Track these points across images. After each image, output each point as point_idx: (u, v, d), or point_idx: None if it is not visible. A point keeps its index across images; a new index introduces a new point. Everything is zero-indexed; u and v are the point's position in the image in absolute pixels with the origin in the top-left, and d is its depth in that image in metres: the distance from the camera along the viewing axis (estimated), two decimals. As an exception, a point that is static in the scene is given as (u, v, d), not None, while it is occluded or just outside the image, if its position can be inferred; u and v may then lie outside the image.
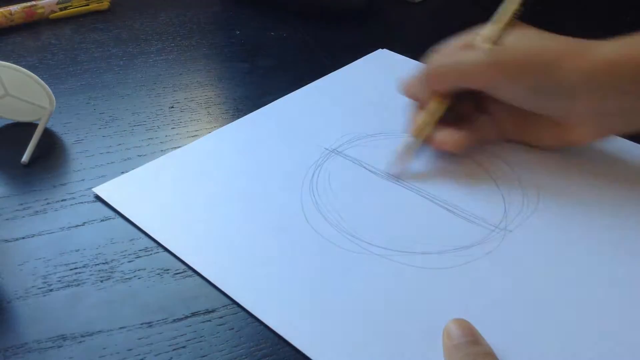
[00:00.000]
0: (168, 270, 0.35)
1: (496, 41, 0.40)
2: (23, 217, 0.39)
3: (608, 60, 0.36)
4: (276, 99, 0.50)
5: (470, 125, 0.43)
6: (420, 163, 0.43)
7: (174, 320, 0.32)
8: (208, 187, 0.40)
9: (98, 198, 0.40)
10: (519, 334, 0.31)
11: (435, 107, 0.42)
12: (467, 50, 0.41)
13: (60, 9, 0.64)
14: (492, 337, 0.29)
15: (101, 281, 0.35)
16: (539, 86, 0.38)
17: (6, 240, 0.37)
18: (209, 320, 0.32)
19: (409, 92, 0.44)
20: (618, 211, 0.38)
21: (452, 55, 0.42)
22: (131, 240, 0.37)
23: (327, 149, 0.44)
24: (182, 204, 0.39)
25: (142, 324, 0.32)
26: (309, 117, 0.48)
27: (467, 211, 0.38)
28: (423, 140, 0.42)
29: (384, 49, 0.56)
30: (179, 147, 0.45)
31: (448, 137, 0.41)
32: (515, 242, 0.36)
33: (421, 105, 0.43)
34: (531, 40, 0.40)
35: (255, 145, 0.45)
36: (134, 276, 0.35)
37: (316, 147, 0.44)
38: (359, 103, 0.49)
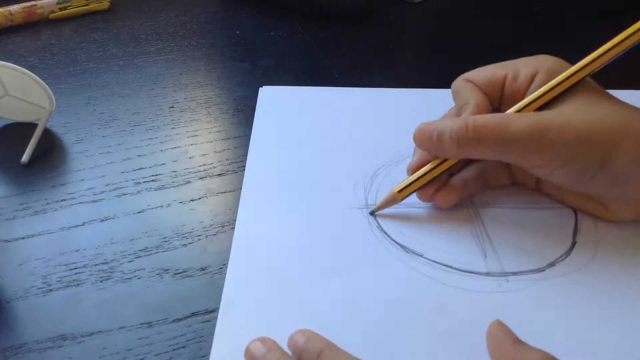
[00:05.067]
0: (168, 270, 0.35)
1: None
2: (23, 217, 0.39)
3: None
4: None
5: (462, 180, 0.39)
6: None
7: (174, 320, 0.32)
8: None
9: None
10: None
11: (444, 165, 0.37)
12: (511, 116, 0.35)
13: (60, 9, 0.64)
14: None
15: (101, 281, 0.35)
16: (587, 170, 0.34)
17: (6, 240, 0.37)
18: (209, 320, 0.32)
19: (426, 145, 0.37)
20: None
21: (486, 115, 0.35)
22: (131, 240, 0.37)
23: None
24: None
25: (142, 324, 0.32)
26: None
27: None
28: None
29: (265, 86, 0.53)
30: (179, 147, 0.45)
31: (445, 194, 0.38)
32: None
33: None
34: (588, 111, 0.34)
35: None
36: (134, 276, 0.35)
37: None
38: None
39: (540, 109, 0.36)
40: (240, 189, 0.41)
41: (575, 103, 0.35)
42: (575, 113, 0.34)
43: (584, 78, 0.35)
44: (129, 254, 0.36)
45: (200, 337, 0.32)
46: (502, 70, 0.38)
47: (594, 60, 0.35)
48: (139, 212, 0.39)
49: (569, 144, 0.33)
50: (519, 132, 0.33)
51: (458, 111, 0.38)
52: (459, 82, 0.39)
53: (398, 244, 0.36)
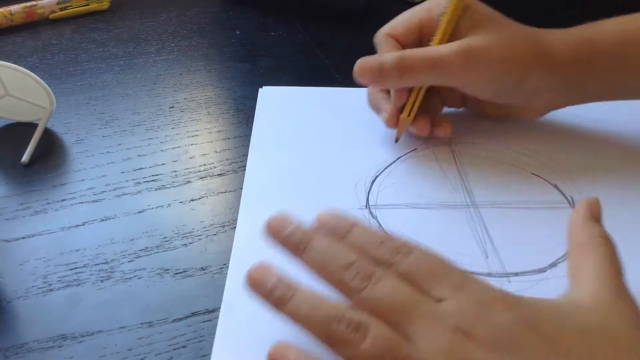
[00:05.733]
0: (168, 270, 0.35)
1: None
2: (23, 217, 0.39)
3: (564, 61, 0.40)
4: (276, 99, 0.50)
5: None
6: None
7: (174, 320, 0.32)
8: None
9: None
10: None
11: (417, 90, 0.42)
12: (432, 47, 0.41)
13: (60, 9, 0.64)
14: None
15: (101, 281, 0.35)
16: (507, 87, 0.41)
17: (6, 240, 0.37)
18: (209, 320, 0.32)
19: (368, 78, 0.42)
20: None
21: (418, 50, 0.41)
22: (131, 240, 0.37)
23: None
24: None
25: (142, 324, 0.32)
26: None
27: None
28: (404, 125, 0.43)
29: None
30: (179, 147, 0.45)
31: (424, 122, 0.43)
32: None
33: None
34: (502, 36, 0.40)
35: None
36: (134, 276, 0.35)
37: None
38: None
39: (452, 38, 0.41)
40: (241, 189, 0.41)
41: (490, 31, 0.40)
42: (494, 38, 0.40)
43: None
44: (129, 254, 0.36)
45: (201, 336, 0.31)
46: (415, 17, 0.43)
47: None
48: (139, 212, 0.39)
49: (494, 63, 0.39)
50: (447, 54, 0.39)
51: None
52: (381, 36, 0.44)
53: None
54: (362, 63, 0.41)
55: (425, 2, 0.44)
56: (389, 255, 0.29)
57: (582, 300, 0.29)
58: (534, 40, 0.41)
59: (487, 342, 0.26)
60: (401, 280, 0.28)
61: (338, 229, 0.31)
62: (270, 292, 0.28)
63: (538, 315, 0.27)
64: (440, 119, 0.44)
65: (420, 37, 0.43)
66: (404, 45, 0.43)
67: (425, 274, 0.28)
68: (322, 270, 0.29)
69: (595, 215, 0.32)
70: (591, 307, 0.28)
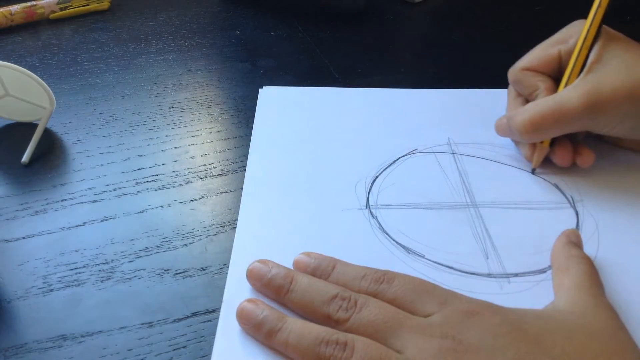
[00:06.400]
0: (168, 270, 0.35)
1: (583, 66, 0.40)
2: (23, 217, 0.39)
3: None
4: (276, 99, 0.50)
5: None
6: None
7: (174, 320, 0.32)
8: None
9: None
10: None
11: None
12: (556, 94, 0.40)
13: (60, 9, 0.64)
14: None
15: (101, 281, 0.34)
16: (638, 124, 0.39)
17: (6, 240, 0.37)
18: (209, 320, 0.32)
19: (504, 135, 0.44)
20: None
21: (542, 104, 0.40)
22: (131, 240, 0.37)
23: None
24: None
25: (142, 324, 0.32)
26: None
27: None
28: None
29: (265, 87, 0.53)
30: (179, 147, 0.45)
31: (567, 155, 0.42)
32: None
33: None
34: (630, 69, 0.38)
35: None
36: (134, 276, 0.35)
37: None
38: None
39: (583, 66, 0.40)
40: (241, 189, 0.41)
41: (615, 59, 0.39)
42: (618, 71, 0.38)
43: (601, 24, 0.40)
44: (129, 254, 0.36)
45: (201, 337, 0.31)
46: (553, 49, 0.42)
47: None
48: (139, 212, 0.39)
49: (619, 106, 0.37)
50: (573, 109, 0.38)
51: (529, 96, 0.43)
52: (518, 72, 0.43)
53: (400, 245, 0.36)
54: (497, 122, 0.44)
55: (560, 32, 0.43)
56: (373, 285, 0.30)
57: (562, 307, 0.30)
58: None
59: (476, 343, 0.26)
60: (386, 304, 0.29)
61: (320, 270, 0.32)
62: (259, 325, 0.29)
63: (523, 317, 0.28)
64: (581, 146, 0.42)
65: (560, 67, 0.42)
66: (545, 75, 0.43)
67: (412, 295, 0.30)
68: (307, 307, 0.30)
69: (574, 240, 0.35)
70: (570, 310, 0.29)
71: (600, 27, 0.40)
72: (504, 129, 0.43)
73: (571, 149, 0.42)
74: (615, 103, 0.37)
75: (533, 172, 0.42)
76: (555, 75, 0.43)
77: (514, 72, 0.44)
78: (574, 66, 0.40)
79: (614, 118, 0.38)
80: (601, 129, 0.39)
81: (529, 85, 0.43)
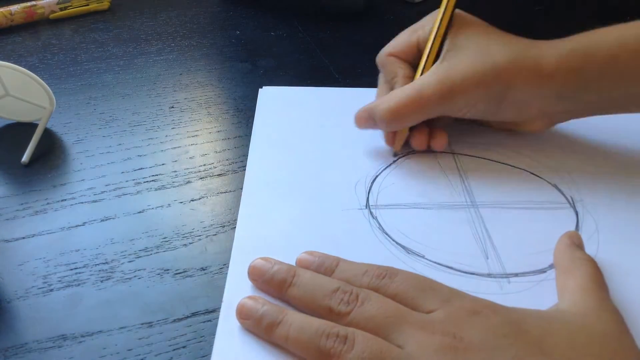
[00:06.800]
0: (168, 270, 0.35)
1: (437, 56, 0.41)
2: (23, 217, 0.39)
3: (554, 72, 0.39)
4: (276, 99, 0.50)
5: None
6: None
7: (174, 320, 0.32)
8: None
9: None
10: None
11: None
12: (414, 82, 0.41)
13: (60, 9, 0.64)
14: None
15: (101, 281, 0.35)
16: (491, 106, 0.40)
17: (6, 240, 0.37)
18: (209, 320, 0.32)
19: (364, 126, 0.44)
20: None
21: (400, 93, 0.41)
22: (131, 240, 0.37)
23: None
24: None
25: (142, 324, 0.32)
26: None
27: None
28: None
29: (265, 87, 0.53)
30: (179, 147, 0.45)
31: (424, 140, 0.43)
32: None
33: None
34: (481, 55, 0.40)
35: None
36: (134, 276, 0.35)
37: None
38: None
39: (439, 53, 0.41)
40: (241, 189, 0.41)
41: (469, 45, 0.40)
42: (471, 57, 0.40)
43: (453, 11, 0.42)
44: (129, 254, 0.36)
45: (201, 337, 0.31)
46: (413, 36, 0.44)
47: None
48: (139, 212, 0.39)
49: (470, 91, 0.39)
50: (430, 97, 0.40)
51: (389, 82, 0.44)
52: (384, 57, 0.45)
53: (400, 245, 0.36)
54: (357, 115, 0.43)
55: (422, 19, 0.44)
56: (375, 280, 0.30)
57: (566, 308, 0.30)
58: (518, 53, 0.40)
59: (477, 342, 0.26)
60: (387, 299, 0.29)
61: (323, 267, 0.32)
62: (259, 319, 0.29)
63: (525, 318, 0.28)
64: (436, 130, 0.43)
65: (419, 54, 0.43)
66: (406, 62, 0.44)
67: (414, 291, 0.30)
68: (309, 301, 0.30)
69: (576, 242, 0.35)
70: (574, 312, 0.29)
71: (452, 14, 0.42)
72: (364, 122, 0.43)
73: (427, 133, 0.43)
74: (466, 89, 0.39)
75: (395, 155, 0.44)
76: (415, 62, 0.44)
77: (380, 57, 0.45)
78: (428, 54, 0.42)
79: (467, 102, 0.40)
80: (456, 112, 0.41)
81: (390, 71, 0.44)
